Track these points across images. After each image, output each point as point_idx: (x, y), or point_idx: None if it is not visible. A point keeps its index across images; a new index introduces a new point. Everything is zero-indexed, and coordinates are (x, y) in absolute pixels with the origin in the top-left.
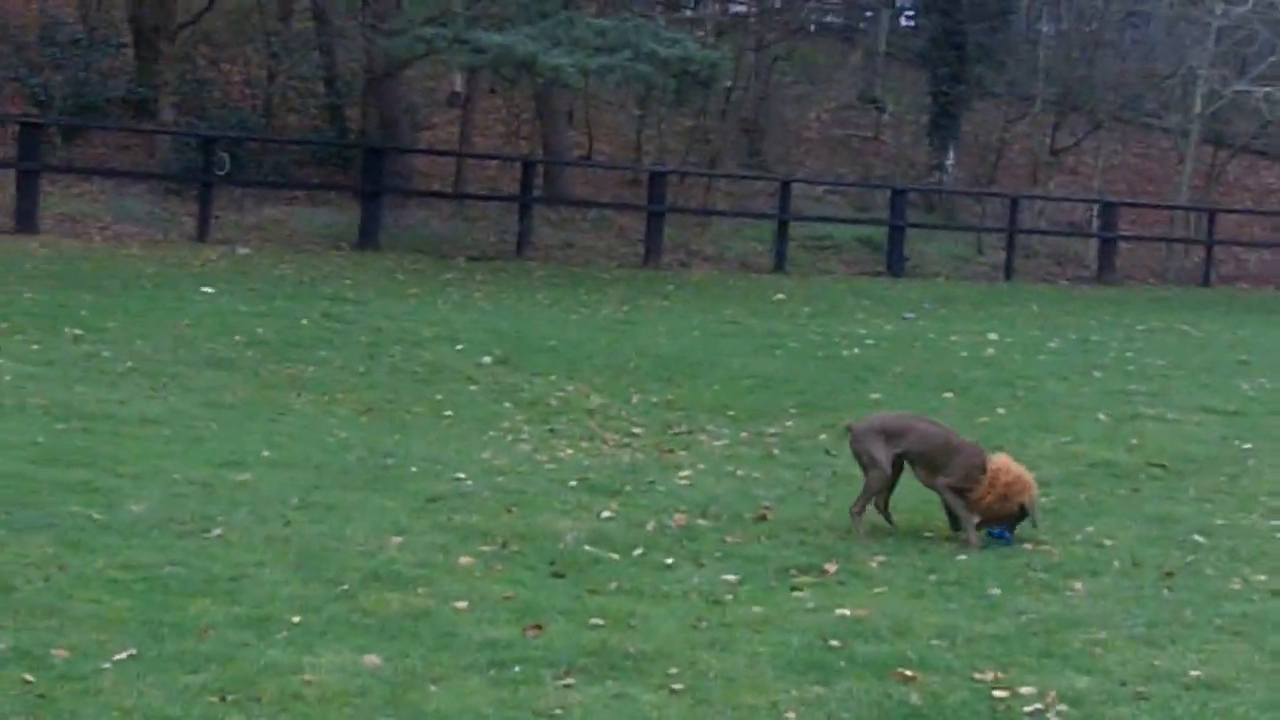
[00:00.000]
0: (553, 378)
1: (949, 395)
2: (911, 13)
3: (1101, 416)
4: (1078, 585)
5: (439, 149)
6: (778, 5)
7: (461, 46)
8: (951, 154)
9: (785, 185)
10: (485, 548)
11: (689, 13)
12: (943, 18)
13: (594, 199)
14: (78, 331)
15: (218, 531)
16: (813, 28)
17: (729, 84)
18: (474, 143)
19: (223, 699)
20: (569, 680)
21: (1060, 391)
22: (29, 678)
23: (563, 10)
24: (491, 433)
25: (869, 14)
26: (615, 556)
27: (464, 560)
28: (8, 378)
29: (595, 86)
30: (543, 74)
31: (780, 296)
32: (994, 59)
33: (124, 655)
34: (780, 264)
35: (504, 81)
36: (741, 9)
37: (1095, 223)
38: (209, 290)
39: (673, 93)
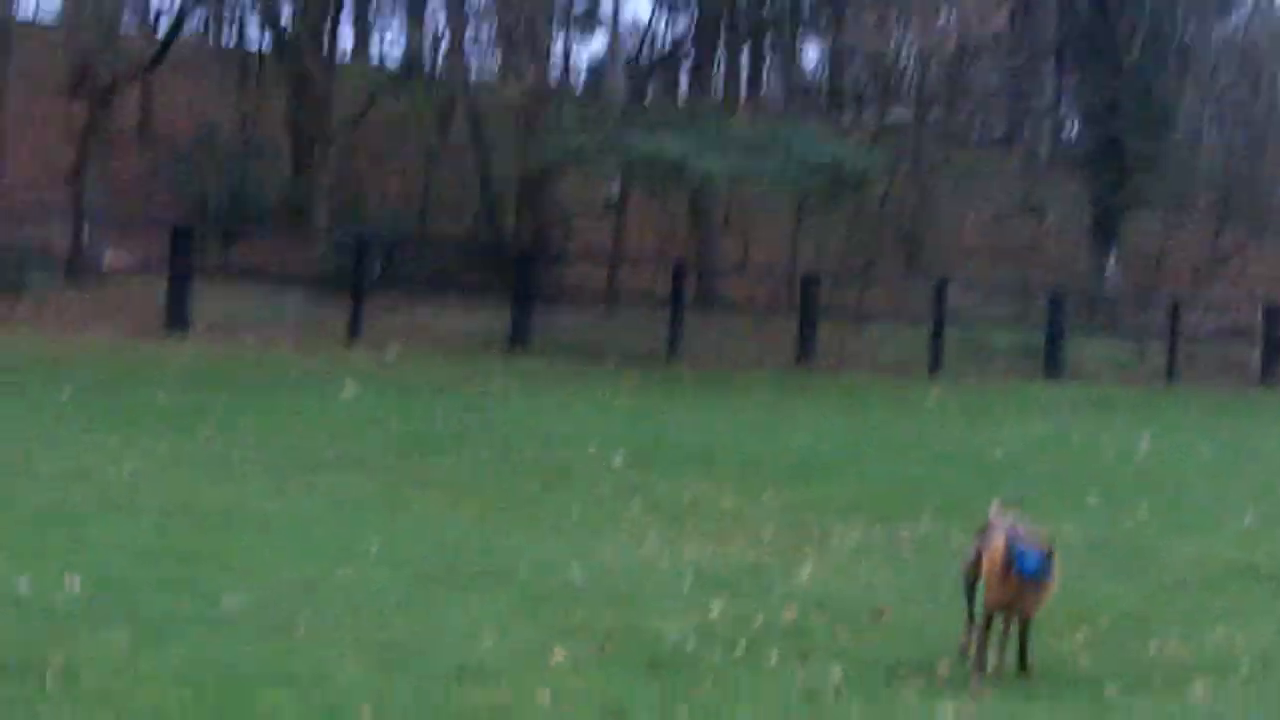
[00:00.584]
0: (686, 478)
1: (1092, 499)
2: (1073, 123)
3: (1246, 520)
4: (1199, 688)
5: (591, 254)
6: (937, 115)
7: (611, 152)
8: (1113, 259)
9: (940, 289)
10: (583, 644)
11: (846, 119)
12: (1103, 127)
13: (747, 302)
14: (209, 432)
15: (305, 628)
16: (975, 136)
17: (883, 189)
18: (628, 246)
19: None
20: None
21: (1206, 494)
22: None
23: (714, 115)
24: (615, 532)
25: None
26: (718, 653)
27: (557, 657)
28: (127, 476)
29: (746, 191)
30: (693, 178)
31: (932, 399)
32: (1155, 168)
33: None
34: (935, 367)
35: (657, 186)
36: (899, 118)
37: (1259, 327)
38: (350, 390)
39: (825, 196)
